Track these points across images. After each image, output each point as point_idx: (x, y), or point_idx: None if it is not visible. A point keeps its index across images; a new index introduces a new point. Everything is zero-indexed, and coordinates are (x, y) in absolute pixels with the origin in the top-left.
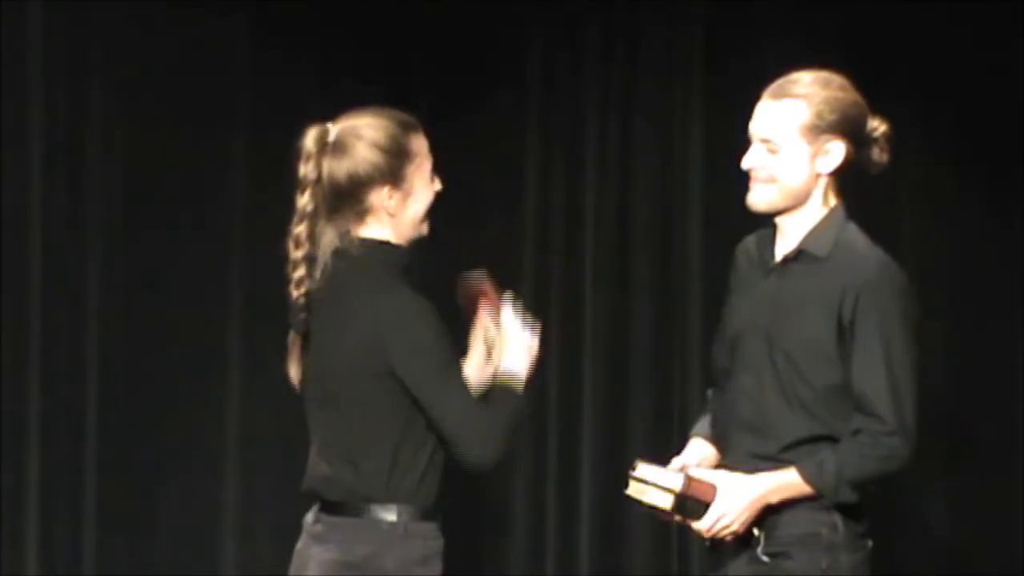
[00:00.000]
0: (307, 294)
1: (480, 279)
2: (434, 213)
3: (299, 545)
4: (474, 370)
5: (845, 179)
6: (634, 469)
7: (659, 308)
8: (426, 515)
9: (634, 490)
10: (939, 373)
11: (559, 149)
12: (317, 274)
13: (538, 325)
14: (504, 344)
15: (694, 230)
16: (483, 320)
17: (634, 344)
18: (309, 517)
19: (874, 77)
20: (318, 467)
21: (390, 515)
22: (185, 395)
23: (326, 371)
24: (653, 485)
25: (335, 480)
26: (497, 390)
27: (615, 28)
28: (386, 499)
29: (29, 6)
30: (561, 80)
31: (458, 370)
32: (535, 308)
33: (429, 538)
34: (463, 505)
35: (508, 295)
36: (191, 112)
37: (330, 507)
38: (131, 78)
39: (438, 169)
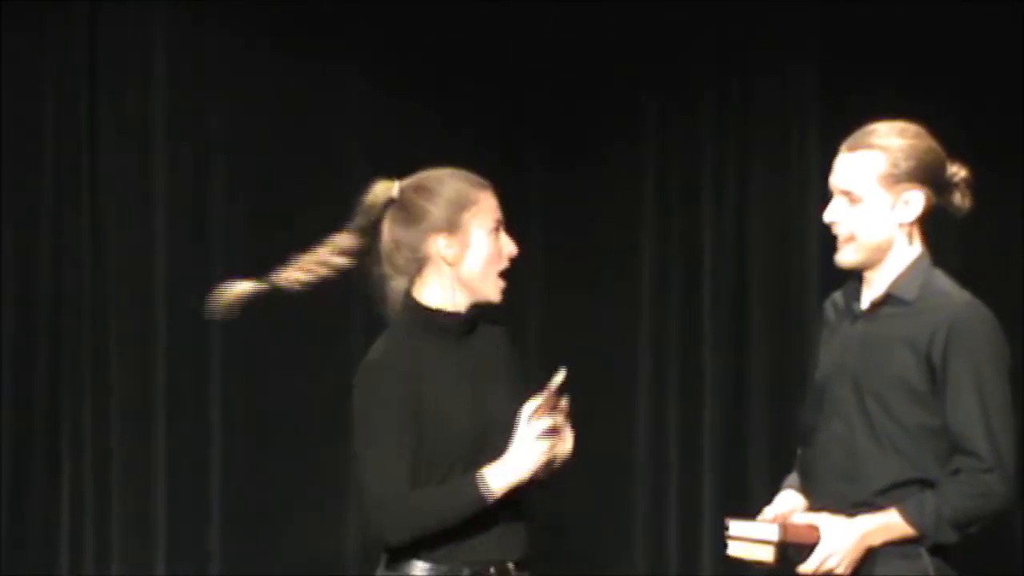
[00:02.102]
0: None
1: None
2: (511, 279)
3: None
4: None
5: (927, 226)
6: (727, 529)
7: (778, 362)
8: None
9: (734, 549)
10: None
11: (675, 198)
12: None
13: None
14: (512, 448)
15: (813, 280)
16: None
17: (753, 403)
18: None
19: (986, 116)
20: None
21: (402, 569)
22: (308, 436)
23: None
24: (751, 540)
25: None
26: (453, 487)
27: (729, 74)
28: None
29: (155, 65)
30: (676, 131)
31: (391, 442)
32: (654, 363)
33: None
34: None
35: (560, 376)
36: (308, 159)
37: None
38: (250, 126)
39: (554, 222)
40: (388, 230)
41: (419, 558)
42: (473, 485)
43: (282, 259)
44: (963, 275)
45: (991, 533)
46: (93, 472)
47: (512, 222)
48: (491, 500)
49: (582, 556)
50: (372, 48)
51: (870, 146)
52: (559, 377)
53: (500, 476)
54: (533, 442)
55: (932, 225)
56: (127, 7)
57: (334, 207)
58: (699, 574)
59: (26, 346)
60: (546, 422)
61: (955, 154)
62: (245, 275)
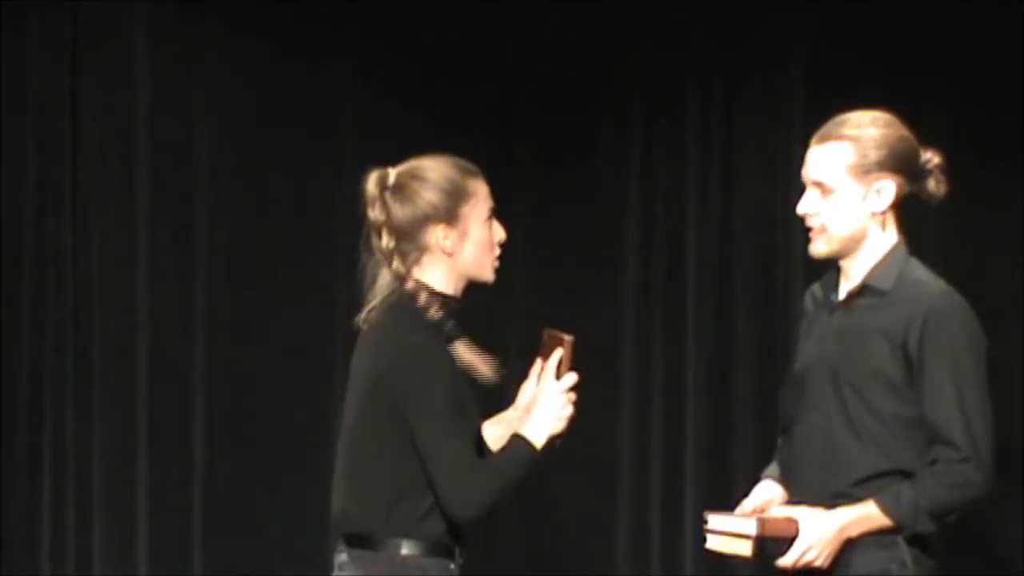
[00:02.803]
0: (357, 324)
1: (559, 337)
2: (502, 261)
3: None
4: (506, 422)
5: (903, 214)
6: (706, 522)
7: (762, 361)
8: (433, 550)
9: (713, 543)
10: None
11: (660, 203)
12: (364, 312)
13: (576, 383)
14: (536, 407)
15: (797, 282)
16: (542, 375)
17: (737, 399)
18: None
19: (978, 119)
20: (335, 496)
21: (391, 548)
22: (290, 437)
23: (348, 403)
24: (729, 534)
25: (346, 511)
26: (506, 452)
27: (714, 77)
28: (388, 532)
29: (137, 56)
30: (661, 135)
31: (459, 423)
32: (637, 362)
33: (431, 571)
34: (566, 552)
35: (571, 339)
36: (295, 157)
37: (346, 538)
38: (235, 125)
39: (540, 226)
40: (385, 217)
41: (409, 537)
42: (521, 446)
43: (268, 258)
44: (962, 275)
45: (976, 531)
46: (75, 473)
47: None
48: (537, 457)
49: (564, 554)
50: (363, 48)
51: (839, 137)
52: (564, 334)
53: (540, 432)
54: (562, 396)
55: (935, 227)
56: (111, 5)
57: (323, 205)
58: (682, 574)
59: (8, 347)
60: (572, 376)
61: (948, 154)
62: (230, 276)
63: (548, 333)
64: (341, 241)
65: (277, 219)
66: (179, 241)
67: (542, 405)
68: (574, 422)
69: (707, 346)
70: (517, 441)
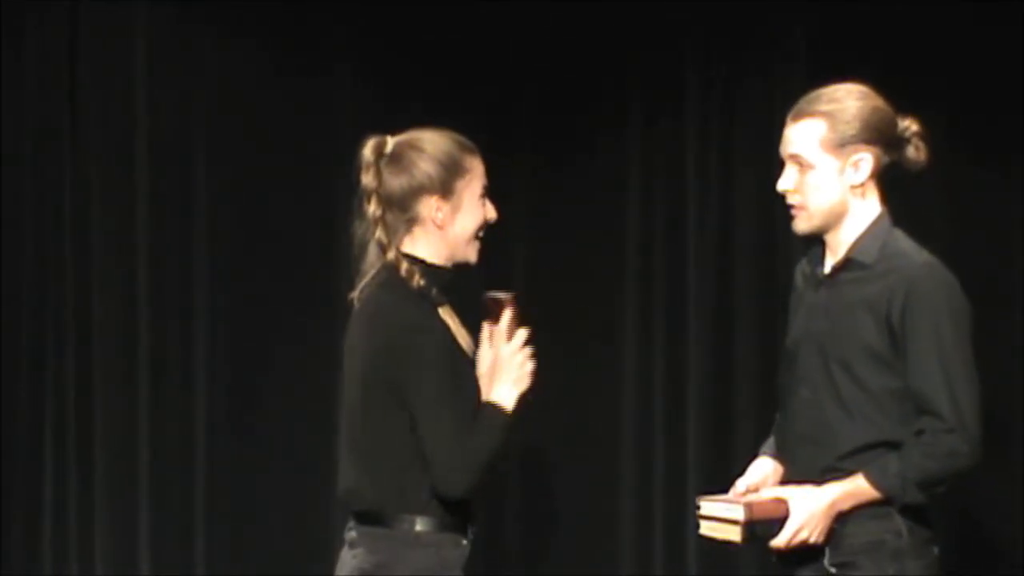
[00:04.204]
0: (351, 301)
1: (501, 298)
2: (486, 241)
3: (342, 551)
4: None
5: (886, 185)
6: (699, 508)
7: (764, 359)
8: (445, 526)
9: (706, 528)
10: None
11: (660, 202)
12: (359, 282)
13: (528, 338)
14: (498, 371)
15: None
16: (493, 339)
17: (740, 397)
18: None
19: (978, 119)
20: (343, 475)
21: (404, 524)
22: (292, 437)
23: (349, 377)
24: (719, 520)
25: (355, 489)
26: (480, 424)
27: (714, 77)
28: (400, 509)
29: (136, 56)
30: (661, 134)
31: (454, 397)
32: (638, 361)
33: (445, 547)
34: (571, 542)
35: (511, 297)
36: (294, 157)
37: (357, 515)
38: (235, 125)
39: (543, 210)
40: (377, 184)
41: (422, 514)
42: (492, 414)
43: (268, 257)
44: (962, 274)
45: (976, 528)
46: (76, 472)
47: (498, 212)
48: (511, 420)
49: (566, 553)
50: (363, 48)
51: (812, 114)
52: (503, 294)
53: (508, 394)
54: (520, 355)
55: (935, 226)
56: (110, 5)
57: (322, 205)
58: (685, 574)
59: (9, 347)
60: (522, 332)
61: (948, 154)
62: (229, 277)
63: (489, 297)
64: (341, 240)
65: (276, 218)
66: (179, 240)
67: (503, 367)
68: (538, 375)
69: (708, 343)
70: (488, 409)
